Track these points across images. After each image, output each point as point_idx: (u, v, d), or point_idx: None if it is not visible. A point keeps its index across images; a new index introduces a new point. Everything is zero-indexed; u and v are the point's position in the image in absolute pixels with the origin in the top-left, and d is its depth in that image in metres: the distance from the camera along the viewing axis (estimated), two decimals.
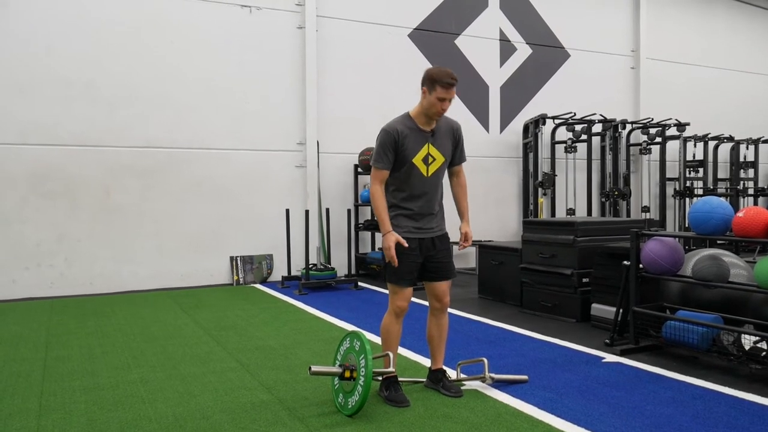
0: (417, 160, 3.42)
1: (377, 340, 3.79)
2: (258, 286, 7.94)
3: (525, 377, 3.93)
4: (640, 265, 4.60)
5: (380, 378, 3.52)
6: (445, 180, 3.68)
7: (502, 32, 9.91)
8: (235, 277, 8.04)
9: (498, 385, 3.81)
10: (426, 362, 4.15)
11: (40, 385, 3.90)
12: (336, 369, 3.40)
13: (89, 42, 7.35)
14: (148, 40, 7.63)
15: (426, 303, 3.79)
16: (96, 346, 4.90)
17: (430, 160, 3.46)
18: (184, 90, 7.82)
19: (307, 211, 8.02)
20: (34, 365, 4.36)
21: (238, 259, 8.09)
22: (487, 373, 3.76)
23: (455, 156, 3.63)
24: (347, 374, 3.32)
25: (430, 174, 3.47)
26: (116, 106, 7.49)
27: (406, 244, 3.39)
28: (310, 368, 3.34)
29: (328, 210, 8.25)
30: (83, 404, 3.54)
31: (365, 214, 8.85)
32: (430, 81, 3.34)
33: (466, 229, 3.68)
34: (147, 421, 3.27)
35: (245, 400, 3.57)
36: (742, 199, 11.22)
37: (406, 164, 3.42)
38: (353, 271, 8.43)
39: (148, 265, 7.65)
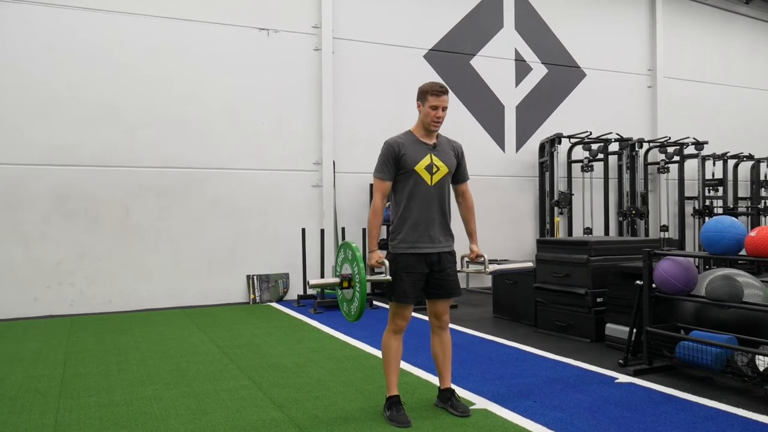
0: (420, 169, 3.50)
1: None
2: (274, 304, 8.01)
3: (529, 264, 4.14)
4: (653, 285, 4.57)
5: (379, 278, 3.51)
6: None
7: (517, 52, 9.98)
8: (252, 296, 8.11)
9: (507, 403, 3.80)
10: (435, 380, 4.15)
11: (57, 401, 3.97)
12: (334, 279, 3.50)
13: (110, 66, 7.55)
14: (167, 63, 7.81)
15: (427, 318, 3.81)
16: (113, 363, 4.98)
17: (434, 169, 3.53)
18: (202, 111, 7.98)
19: (322, 230, 8.09)
20: (52, 382, 4.45)
21: (255, 277, 8.17)
22: (487, 263, 3.72)
23: (459, 173, 3.71)
24: (345, 284, 3.41)
25: (434, 182, 3.53)
26: (136, 127, 7.66)
27: (387, 263, 3.45)
28: (308, 281, 3.50)
29: (343, 229, 8.31)
30: (98, 420, 3.60)
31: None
32: (421, 93, 3.55)
33: (476, 250, 3.72)
34: None
35: (256, 418, 3.61)
36: (763, 218, 11.09)
37: (408, 172, 3.50)
38: (368, 291, 8.46)
39: (165, 283, 7.76)
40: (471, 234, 3.79)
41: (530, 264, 4.20)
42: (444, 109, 3.52)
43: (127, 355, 5.26)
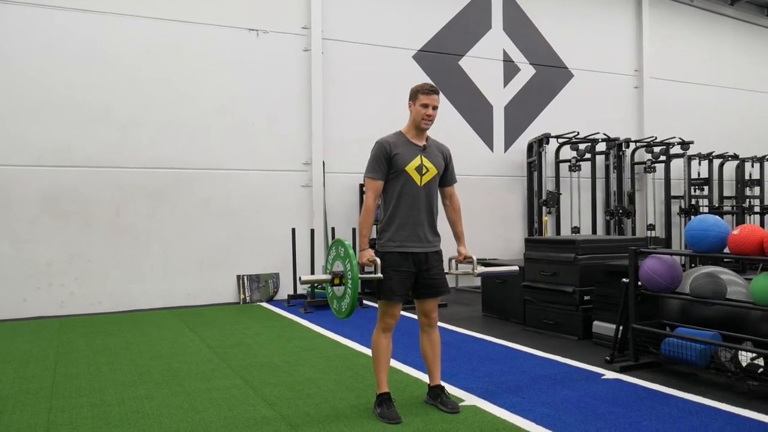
0: (410, 169, 3.57)
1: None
2: (264, 304, 8.03)
3: (515, 268, 4.22)
4: (639, 283, 4.65)
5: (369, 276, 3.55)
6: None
7: (505, 53, 10.06)
8: (242, 296, 8.13)
9: (496, 400, 3.86)
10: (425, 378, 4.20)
11: (49, 402, 3.99)
12: (326, 276, 3.55)
13: (102, 67, 7.54)
14: (158, 64, 7.82)
15: (416, 317, 3.86)
16: (103, 363, 4.99)
17: (424, 170, 3.60)
18: (193, 112, 7.99)
19: (312, 230, 8.12)
20: (43, 382, 4.46)
21: (245, 277, 8.19)
22: (475, 266, 3.82)
23: (447, 176, 3.77)
24: (336, 281, 3.48)
25: (423, 183, 3.60)
26: (128, 128, 7.67)
27: (378, 261, 3.52)
28: (300, 278, 3.56)
29: (333, 229, 8.35)
30: (90, 420, 3.62)
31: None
32: (413, 93, 3.65)
33: (464, 252, 3.80)
34: None
35: (248, 416, 3.64)
36: (748, 217, 11.22)
37: (399, 172, 3.56)
38: (358, 290, 8.47)
39: (156, 284, 7.77)
40: (458, 236, 3.86)
41: (516, 268, 4.29)
42: (435, 108, 3.60)
43: (118, 355, 5.27)
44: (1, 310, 7.07)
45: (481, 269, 3.88)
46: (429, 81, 9.14)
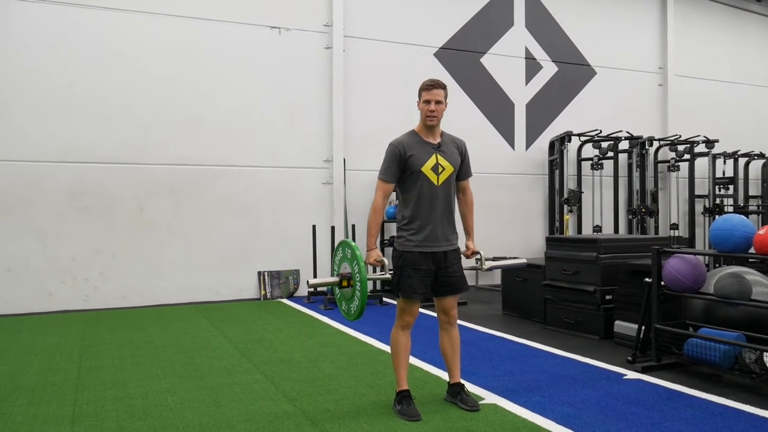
0: (426, 169, 3.55)
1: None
2: (285, 300, 8.08)
3: (523, 261, 4.23)
4: (662, 283, 4.60)
5: (379, 277, 3.60)
6: None
7: (527, 50, 10.00)
8: (263, 292, 8.19)
9: (516, 398, 3.85)
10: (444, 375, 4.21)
11: (74, 394, 4.06)
12: (333, 279, 3.57)
13: (125, 65, 7.64)
14: (181, 63, 7.89)
15: (436, 314, 3.86)
16: (127, 357, 5.07)
17: (440, 169, 3.58)
18: (215, 109, 8.06)
19: (333, 227, 8.15)
20: (69, 375, 4.54)
21: (266, 274, 8.24)
22: (483, 261, 3.81)
23: (462, 170, 3.75)
24: (344, 283, 3.49)
25: (440, 182, 3.58)
26: (150, 126, 7.75)
27: (386, 261, 3.53)
28: (308, 282, 3.59)
29: (354, 226, 8.37)
30: (114, 412, 3.68)
31: (390, 230, 8.95)
32: (418, 93, 3.65)
33: (472, 246, 3.80)
34: (174, 429, 3.39)
35: (269, 411, 3.67)
36: None
37: (415, 174, 3.55)
38: (378, 287, 8.52)
39: (178, 279, 7.85)
40: (468, 231, 3.85)
41: (524, 261, 4.31)
42: (437, 102, 3.56)
43: (142, 349, 5.35)
44: (28, 303, 7.20)
45: (489, 264, 3.87)
46: (451, 79, 9.22)
